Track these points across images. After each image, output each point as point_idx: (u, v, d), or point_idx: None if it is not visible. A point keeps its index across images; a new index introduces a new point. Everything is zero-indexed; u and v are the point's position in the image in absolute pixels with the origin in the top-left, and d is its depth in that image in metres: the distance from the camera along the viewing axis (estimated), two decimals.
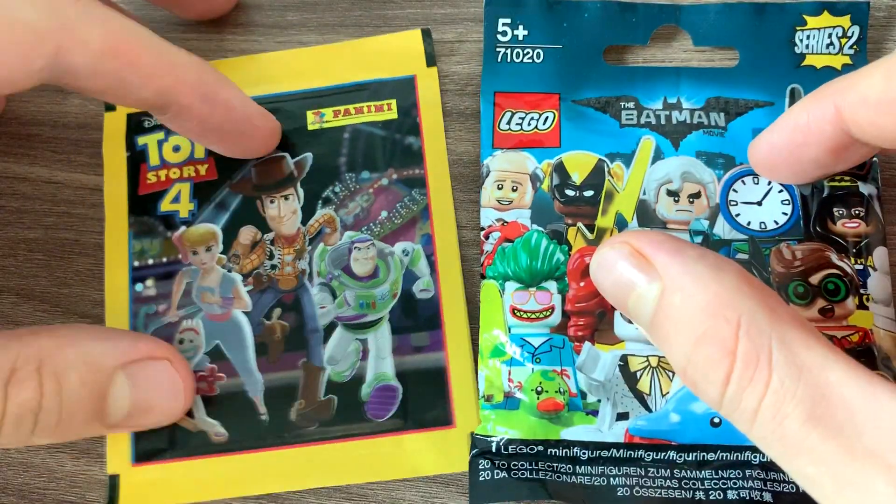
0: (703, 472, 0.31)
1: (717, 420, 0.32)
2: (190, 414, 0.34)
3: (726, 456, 0.31)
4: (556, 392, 0.32)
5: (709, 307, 0.24)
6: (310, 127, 0.37)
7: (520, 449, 0.32)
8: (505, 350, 0.33)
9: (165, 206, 0.37)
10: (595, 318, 0.33)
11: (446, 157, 0.37)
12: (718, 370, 0.24)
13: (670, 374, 0.33)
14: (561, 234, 0.34)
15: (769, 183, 0.34)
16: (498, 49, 0.37)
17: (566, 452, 0.32)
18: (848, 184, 0.34)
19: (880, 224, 0.34)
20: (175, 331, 0.35)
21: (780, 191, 0.34)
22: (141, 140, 0.38)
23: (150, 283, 0.36)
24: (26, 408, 0.28)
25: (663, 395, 0.32)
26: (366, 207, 0.36)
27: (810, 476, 0.22)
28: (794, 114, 0.30)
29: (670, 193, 0.35)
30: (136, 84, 0.30)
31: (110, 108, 0.39)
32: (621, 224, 0.34)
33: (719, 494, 0.31)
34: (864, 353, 0.32)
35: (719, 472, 0.31)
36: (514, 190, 0.35)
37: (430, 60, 0.38)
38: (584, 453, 0.32)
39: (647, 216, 0.34)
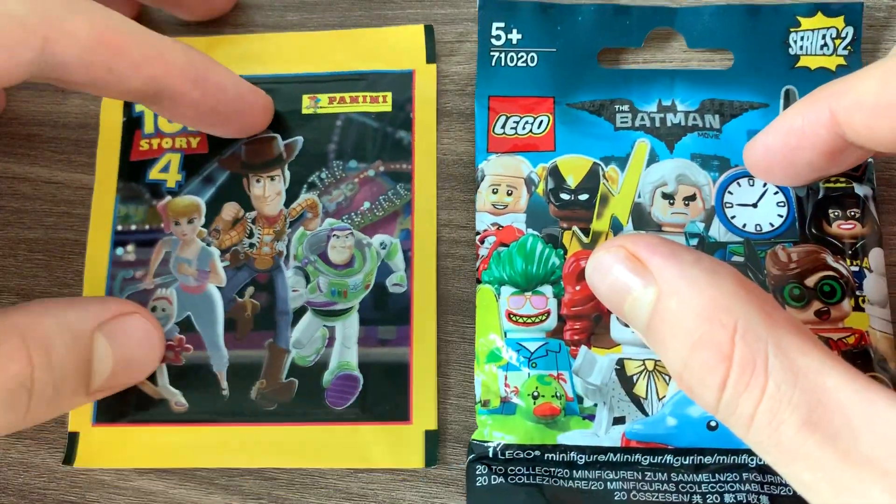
0: (699, 475, 0.31)
1: (713, 423, 0.32)
2: (153, 380, 0.35)
3: (723, 459, 0.31)
4: (553, 396, 0.32)
5: (704, 312, 0.24)
6: (304, 111, 0.38)
7: (516, 454, 0.32)
8: (501, 355, 0.33)
9: (154, 174, 0.37)
10: (591, 322, 0.33)
11: (435, 156, 0.37)
12: (714, 375, 0.24)
13: (666, 378, 0.32)
14: (556, 238, 0.34)
15: (764, 185, 0.34)
16: (492, 53, 0.37)
17: (563, 457, 0.32)
18: (843, 185, 0.34)
19: (876, 225, 0.34)
20: (149, 298, 0.36)
21: (776, 192, 0.34)
22: (138, 107, 0.38)
23: (130, 248, 0.36)
24: (18, 382, 0.27)
25: (660, 399, 0.32)
26: (349, 196, 0.36)
27: (807, 482, 0.22)
28: (789, 117, 0.30)
29: (665, 196, 0.35)
30: (125, 74, 0.30)
31: None
32: (616, 227, 0.34)
33: (716, 498, 0.31)
34: (861, 356, 0.32)
35: (716, 475, 0.31)
36: (509, 194, 0.35)
37: (430, 57, 0.38)
38: (580, 458, 0.32)
39: (642, 219, 0.34)
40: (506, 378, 0.33)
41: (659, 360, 0.33)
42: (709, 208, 0.34)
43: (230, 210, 0.37)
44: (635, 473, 0.32)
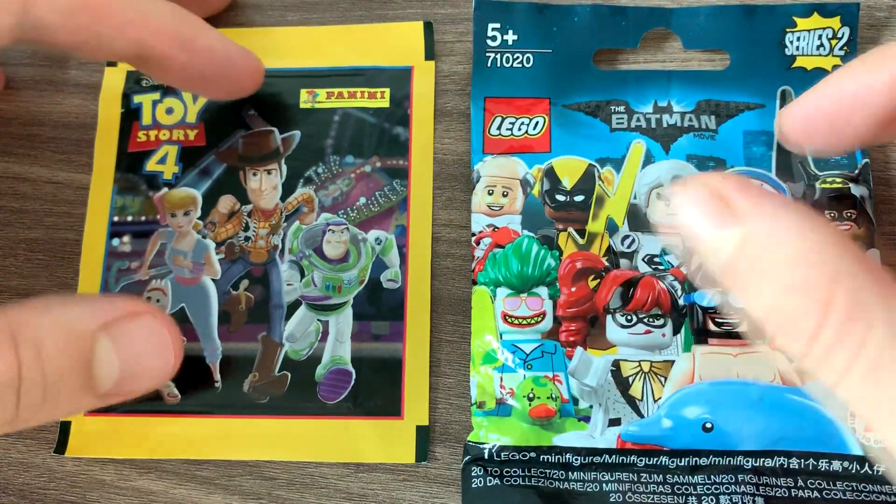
0: (695, 477, 0.31)
1: (708, 425, 0.32)
2: None
3: (718, 461, 0.31)
4: (548, 398, 0.33)
5: (800, 257, 0.22)
6: (302, 105, 0.38)
7: (512, 456, 0.32)
8: (496, 356, 0.33)
9: (151, 165, 0.38)
10: (587, 324, 0.33)
11: (432, 152, 0.37)
12: (807, 322, 0.22)
13: (662, 379, 0.33)
14: (552, 240, 0.34)
15: (761, 185, 0.34)
16: (488, 54, 0.37)
17: (558, 459, 0.32)
18: (839, 185, 0.34)
19: (872, 226, 0.34)
20: (144, 289, 0.36)
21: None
22: (137, 98, 0.39)
23: (126, 239, 0.37)
24: (4, 380, 0.26)
25: (655, 401, 0.32)
26: (345, 191, 0.37)
27: None
28: (840, 80, 0.27)
29: (661, 197, 0.35)
30: (109, 36, 0.29)
31: (111, 63, 0.39)
32: (612, 229, 0.34)
33: (712, 500, 0.31)
34: None
35: (711, 476, 0.31)
36: (504, 195, 0.35)
37: (429, 54, 0.38)
38: (576, 459, 0.32)
39: (637, 221, 0.34)
40: (501, 379, 0.33)
41: (654, 362, 0.33)
42: None
43: (226, 203, 0.37)
44: (631, 475, 0.32)
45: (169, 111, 0.38)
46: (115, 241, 0.37)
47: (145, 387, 0.30)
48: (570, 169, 0.35)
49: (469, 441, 0.33)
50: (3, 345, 0.26)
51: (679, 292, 0.33)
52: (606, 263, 0.34)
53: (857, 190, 0.34)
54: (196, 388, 0.35)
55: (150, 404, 0.35)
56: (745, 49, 0.36)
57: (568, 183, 0.35)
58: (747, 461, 0.31)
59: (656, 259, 0.34)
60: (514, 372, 0.33)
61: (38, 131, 0.40)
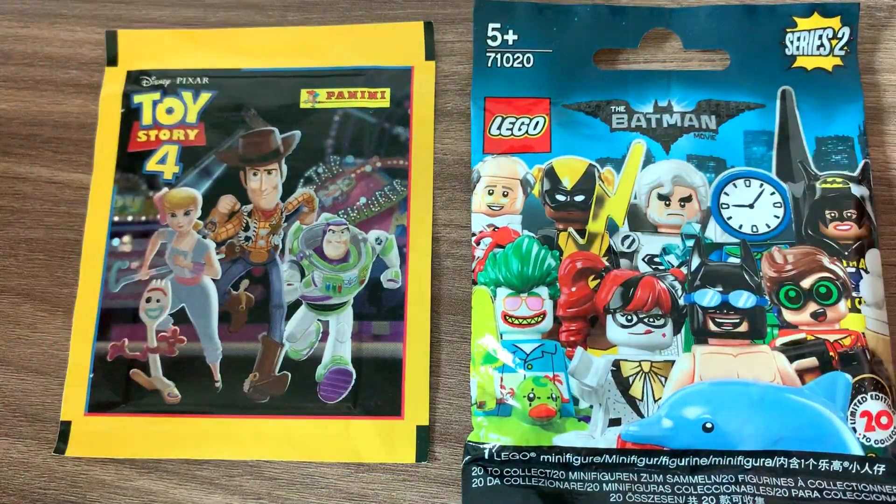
0: (695, 477, 0.31)
1: (709, 425, 0.32)
2: (147, 371, 0.35)
3: (719, 461, 0.31)
4: (549, 398, 0.32)
5: None
6: (302, 105, 0.38)
7: (512, 456, 0.32)
8: (497, 356, 0.33)
9: (151, 165, 0.38)
10: (587, 324, 0.33)
11: (432, 152, 0.37)
12: None
13: (662, 379, 0.32)
14: (552, 240, 0.34)
15: (761, 185, 0.34)
16: (488, 54, 0.37)
17: (559, 459, 0.32)
18: (840, 186, 0.34)
19: (873, 226, 0.34)
20: (144, 289, 0.36)
21: (773, 193, 0.34)
22: (137, 98, 0.39)
23: (126, 239, 0.37)
24: None
25: (655, 401, 0.32)
26: (346, 191, 0.37)
27: None
28: None
29: (661, 197, 0.35)
30: None
31: (112, 62, 0.40)
32: (612, 229, 0.34)
33: (712, 500, 0.31)
34: (856, 357, 0.32)
35: (712, 476, 0.31)
36: (504, 195, 0.35)
37: (430, 54, 0.38)
38: (576, 459, 0.32)
39: (638, 220, 0.34)
40: (501, 380, 0.33)
41: (655, 362, 0.33)
42: (705, 209, 0.34)
43: (226, 203, 0.37)
44: (631, 475, 0.32)
45: (169, 111, 0.38)
46: (116, 241, 0.37)
47: None
48: (570, 169, 0.35)
49: (469, 441, 0.33)
50: None
51: (679, 292, 0.33)
52: (607, 263, 0.34)
53: (857, 190, 0.34)
54: (197, 388, 0.35)
55: (150, 404, 0.35)
56: (746, 49, 0.36)
57: (568, 183, 0.35)
58: (747, 461, 0.31)
59: (656, 259, 0.34)
60: (515, 372, 0.33)
61: (39, 131, 0.40)
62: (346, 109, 0.38)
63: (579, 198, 0.35)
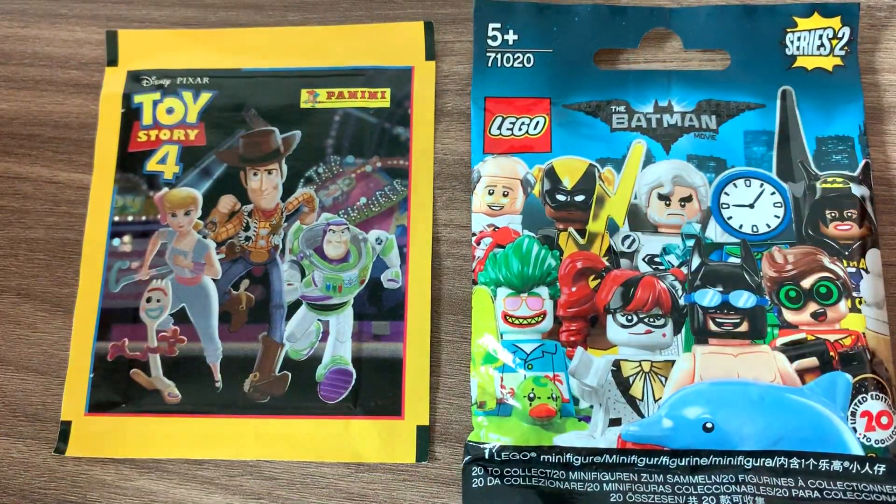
0: (695, 477, 0.31)
1: (709, 425, 0.32)
2: (147, 371, 0.35)
3: (719, 461, 0.31)
4: (549, 398, 0.32)
5: None
6: (302, 105, 0.38)
7: (512, 455, 0.32)
8: (497, 356, 0.33)
9: (151, 165, 0.38)
10: (587, 324, 0.33)
11: (432, 152, 0.37)
12: None
13: (662, 379, 0.33)
14: (552, 240, 0.34)
15: (761, 185, 0.34)
16: (488, 54, 0.37)
17: (559, 459, 0.32)
18: (840, 186, 0.34)
19: (873, 226, 0.34)
20: (144, 289, 0.36)
21: (773, 193, 0.34)
22: (137, 98, 0.39)
23: (126, 239, 0.37)
24: None
25: (656, 401, 0.32)
26: (346, 191, 0.37)
27: None
28: None
29: (661, 197, 0.35)
30: None
31: (112, 62, 0.40)
32: (613, 229, 0.34)
33: (712, 500, 0.31)
34: (856, 357, 0.32)
35: (712, 476, 0.31)
36: (505, 195, 0.35)
37: (430, 54, 0.38)
38: (576, 459, 0.32)
39: (638, 220, 0.34)
40: (501, 379, 0.33)
41: (655, 362, 0.33)
42: (705, 209, 0.34)
43: (227, 203, 0.37)
44: (631, 475, 0.32)
45: (169, 111, 0.38)
46: (116, 241, 0.37)
47: None
48: (570, 169, 0.35)
49: (469, 441, 0.33)
50: None
51: (679, 292, 0.33)
52: (607, 263, 0.34)
53: (857, 190, 0.34)
54: (197, 388, 0.35)
55: (150, 404, 0.35)
56: (746, 49, 0.36)
57: (568, 183, 0.35)
58: (748, 461, 0.31)
59: (657, 259, 0.34)
60: (515, 372, 0.33)
61: (39, 131, 0.40)
62: (346, 109, 0.38)
63: (579, 198, 0.35)
